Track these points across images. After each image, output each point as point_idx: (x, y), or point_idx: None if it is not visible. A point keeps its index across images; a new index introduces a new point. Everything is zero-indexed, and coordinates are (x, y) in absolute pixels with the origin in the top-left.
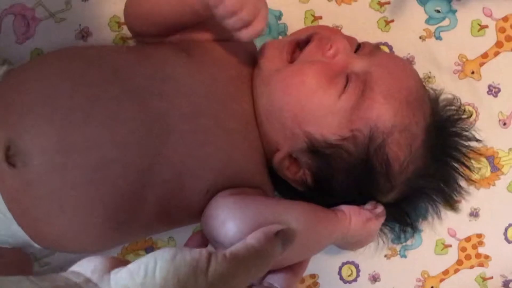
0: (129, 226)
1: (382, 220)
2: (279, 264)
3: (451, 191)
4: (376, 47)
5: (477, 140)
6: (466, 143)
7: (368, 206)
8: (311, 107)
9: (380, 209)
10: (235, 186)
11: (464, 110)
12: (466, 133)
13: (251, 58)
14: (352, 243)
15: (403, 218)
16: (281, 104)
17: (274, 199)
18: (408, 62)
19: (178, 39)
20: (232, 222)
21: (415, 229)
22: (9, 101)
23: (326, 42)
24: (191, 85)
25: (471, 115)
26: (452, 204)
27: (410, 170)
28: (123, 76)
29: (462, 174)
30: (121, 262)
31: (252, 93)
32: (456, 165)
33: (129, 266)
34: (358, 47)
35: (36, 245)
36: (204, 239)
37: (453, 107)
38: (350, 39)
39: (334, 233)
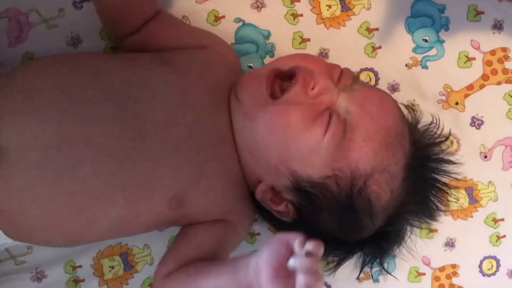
0: (97, 226)
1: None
2: None
3: (429, 216)
4: (356, 78)
5: (456, 163)
6: (445, 168)
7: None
8: (297, 147)
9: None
10: (209, 204)
11: (441, 134)
12: (444, 158)
13: (231, 70)
14: None
15: (380, 252)
16: (267, 143)
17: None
18: (387, 94)
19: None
20: None
21: (385, 268)
22: None
23: (309, 82)
24: (166, 92)
25: (449, 140)
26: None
27: (392, 207)
28: (103, 80)
29: (440, 202)
30: None
31: (229, 113)
32: (435, 193)
33: None
34: (341, 74)
35: (9, 240)
36: None
37: (431, 132)
38: (332, 69)
39: None
